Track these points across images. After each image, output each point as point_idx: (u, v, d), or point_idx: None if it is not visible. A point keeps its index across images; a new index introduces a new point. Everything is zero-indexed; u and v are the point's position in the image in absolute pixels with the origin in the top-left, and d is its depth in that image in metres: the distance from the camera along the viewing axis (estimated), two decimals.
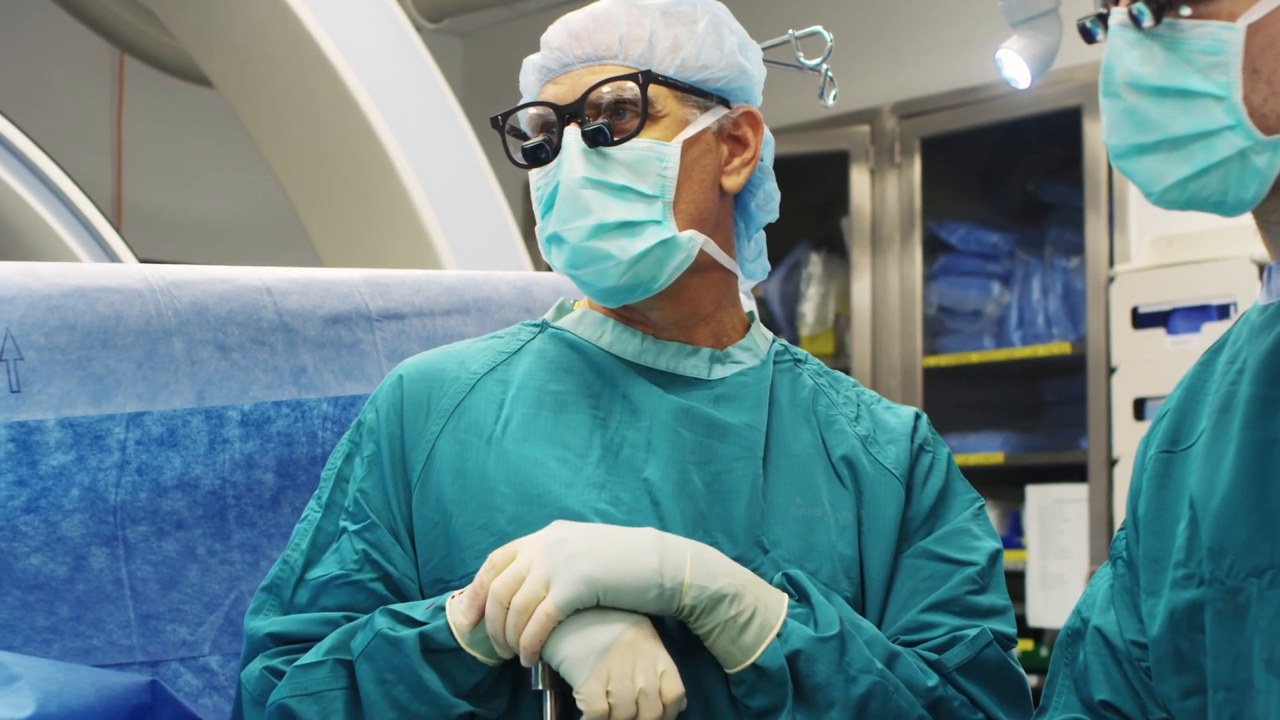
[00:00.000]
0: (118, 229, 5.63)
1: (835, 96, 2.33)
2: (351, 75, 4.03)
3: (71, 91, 6.05)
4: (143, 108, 6.15)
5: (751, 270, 2.03)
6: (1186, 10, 1.55)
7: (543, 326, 2.00)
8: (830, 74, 2.31)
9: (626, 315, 1.95)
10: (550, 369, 1.93)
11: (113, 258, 4.06)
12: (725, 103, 1.93)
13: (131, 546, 2.06)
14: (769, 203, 2.01)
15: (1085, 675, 1.76)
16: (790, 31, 2.39)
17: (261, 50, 4.17)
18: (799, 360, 2.01)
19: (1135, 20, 1.56)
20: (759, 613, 1.76)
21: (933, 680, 1.80)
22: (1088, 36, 1.63)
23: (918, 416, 1.99)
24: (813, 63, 2.36)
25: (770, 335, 2.03)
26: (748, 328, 2.00)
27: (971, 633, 1.84)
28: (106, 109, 6.14)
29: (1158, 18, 1.55)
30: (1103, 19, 1.61)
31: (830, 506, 1.89)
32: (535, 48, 1.96)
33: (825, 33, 2.36)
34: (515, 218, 4.31)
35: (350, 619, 1.83)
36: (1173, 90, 1.55)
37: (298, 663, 1.81)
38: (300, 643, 1.84)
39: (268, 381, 2.16)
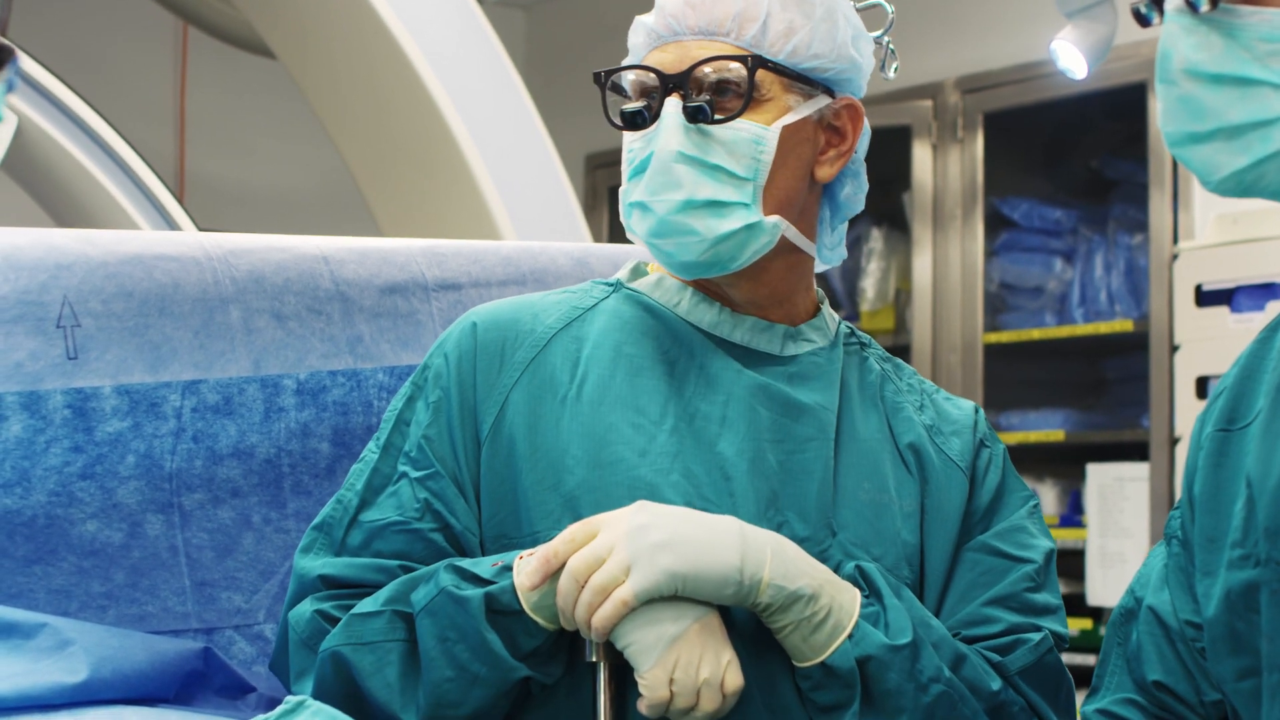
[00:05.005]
0: (180, 199, 5.67)
1: (897, 69, 2.31)
2: (413, 47, 4.03)
3: (135, 62, 6.07)
4: (206, 78, 6.17)
5: (829, 257, 2.02)
6: None
7: (617, 286, 1.99)
8: (892, 46, 2.30)
9: (705, 285, 1.95)
10: (626, 330, 1.93)
11: (174, 227, 4.09)
12: (829, 92, 1.92)
13: (187, 514, 2.06)
14: (858, 194, 2.01)
15: (1138, 655, 1.75)
16: (852, 3, 2.37)
17: (323, 22, 4.17)
18: (864, 344, 2.02)
19: (1191, 4, 1.54)
20: (833, 613, 1.75)
21: (996, 684, 1.81)
22: (1142, 21, 1.60)
23: (977, 410, 2.01)
24: (874, 35, 2.35)
25: (837, 317, 2.03)
26: (818, 309, 2.00)
27: (1035, 637, 1.85)
28: (170, 79, 6.17)
29: (1214, 2, 1.52)
30: (1157, 3, 1.58)
31: (896, 493, 1.89)
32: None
33: (887, 4, 2.34)
34: (575, 190, 4.31)
35: (406, 568, 1.83)
36: (1229, 78, 1.52)
37: (354, 610, 1.80)
38: (353, 587, 1.83)
39: (324, 351, 2.16)
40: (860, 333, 2.04)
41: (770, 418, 1.88)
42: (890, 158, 5.43)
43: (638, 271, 2.02)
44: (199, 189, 6.10)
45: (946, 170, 5.28)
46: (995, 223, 5.33)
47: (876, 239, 5.64)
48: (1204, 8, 1.52)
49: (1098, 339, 5.08)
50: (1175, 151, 1.58)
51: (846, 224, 2.03)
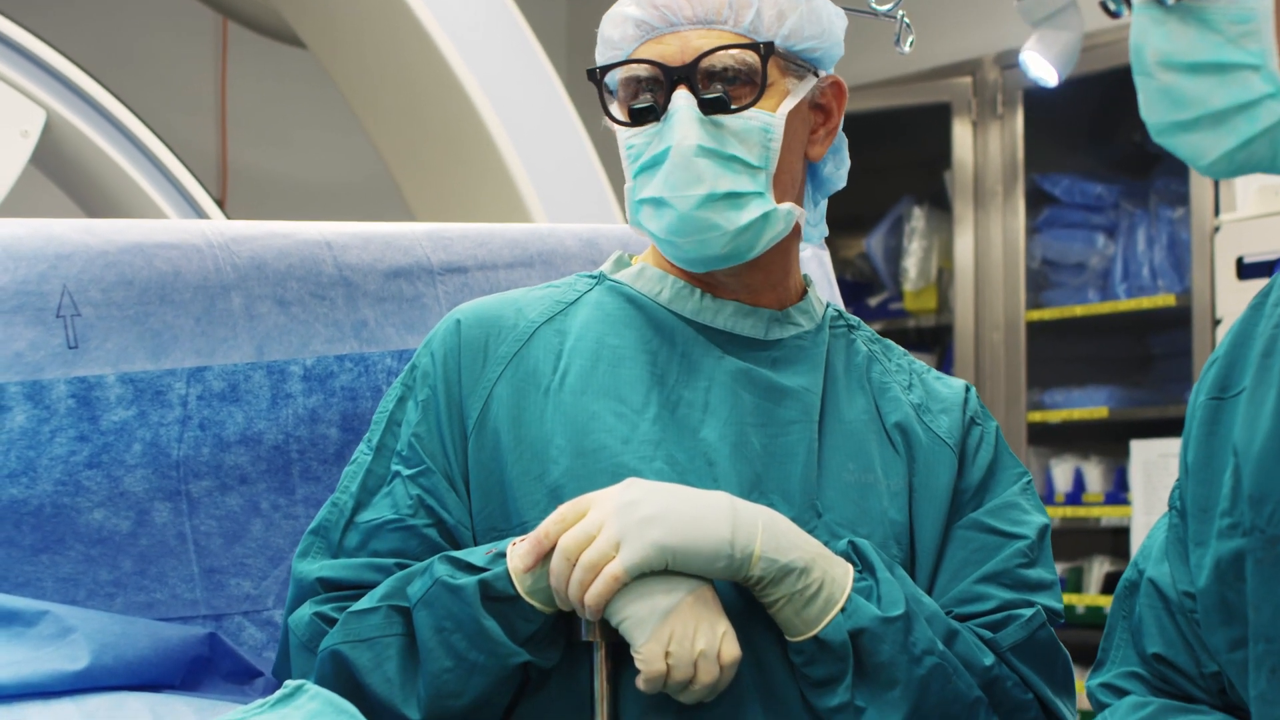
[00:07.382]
0: (223, 192, 5.69)
1: (912, 43, 2.29)
2: (442, 34, 4.03)
3: (176, 56, 6.10)
4: (247, 70, 6.19)
5: (811, 235, 2.04)
6: None
7: (600, 279, 2.00)
8: (906, 20, 2.28)
9: (689, 273, 1.94)
10: (608, 322, 1.93)
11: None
12: (815, 72, 1.93)
13: (195, 501, 2.07)
14: (839, 170, 2.02)
15: (1140, 628, 1.73)
16: None
17: (352, 11, 4.18)
18: (852, 326, 2.02)
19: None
20: (825, 586, 1.75)
21: (989, 659, 1.80)
22: (1111, 13, 1.58)
23: (968, 389, 2.00)
24: (885, 8, 2.33)
25: (824, 300, 2.02)
26: (805, 291, 2.00)
27: (1026, 613, 1.84)
28: (211, 73, 6.19)
29: None
30: None
31: (882, 472, 1.89)
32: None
33: None
34: (608, 175, 4.30)
35: (401, 565, 1.83)
36: (1207, 65, 1.50)
37: (351, 609, 1.81)
38: (351, 588, 1.84)
39: (328, 336, 2.16)
40: (848, 315, 2.03)
41: (753, 402, 1.88)
42: (931, 136, 5.41)
43: (620, 263, 2.02)
44: (241, 181, 6.13)
45: (987, 147, 5.25)
46: (1036, 199, 5.29)
47: (918, 218, 5.61)
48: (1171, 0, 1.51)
49: (1141, 314, 5.03)
50: (1160, 140, 1.56)
51: (826, 201, 2.03)
